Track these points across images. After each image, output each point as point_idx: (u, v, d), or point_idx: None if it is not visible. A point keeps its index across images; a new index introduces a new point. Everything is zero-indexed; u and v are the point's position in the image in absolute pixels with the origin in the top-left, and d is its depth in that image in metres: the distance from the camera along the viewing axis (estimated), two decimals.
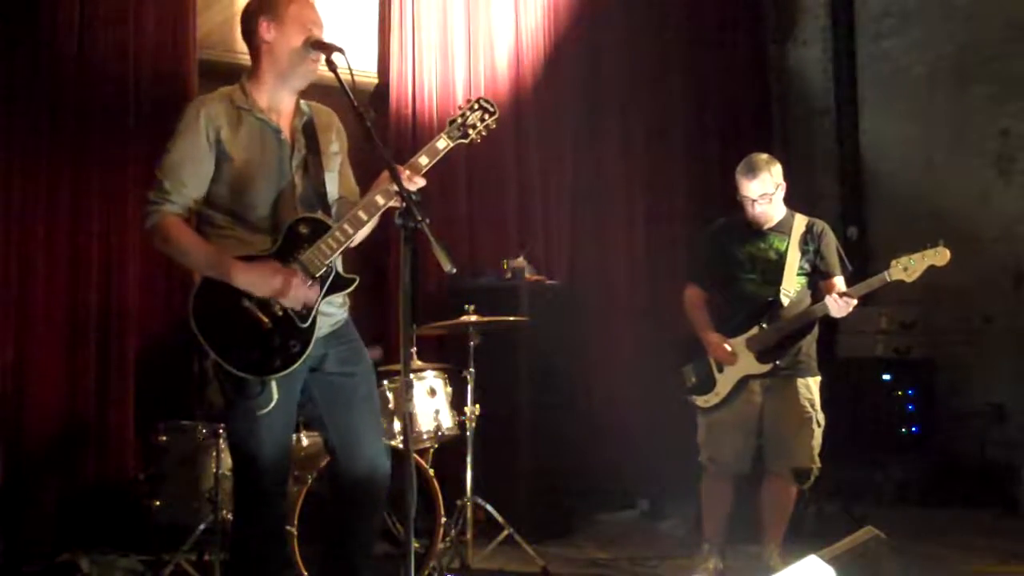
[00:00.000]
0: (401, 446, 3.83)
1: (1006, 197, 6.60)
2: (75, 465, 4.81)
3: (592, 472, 5.99)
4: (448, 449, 4.77)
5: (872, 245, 7.13)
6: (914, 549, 4.77)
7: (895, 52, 7.23)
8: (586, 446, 5.91)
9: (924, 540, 5.10)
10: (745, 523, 4.42)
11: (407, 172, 2.98)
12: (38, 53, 4.82)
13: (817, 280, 4.33)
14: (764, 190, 4.26)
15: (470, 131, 3.17)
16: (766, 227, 4.34)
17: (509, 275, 5.59)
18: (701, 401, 4.39)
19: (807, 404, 4.25)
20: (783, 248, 4.30)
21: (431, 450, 4.58)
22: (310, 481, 3.89)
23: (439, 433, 4.40)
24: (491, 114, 3.20)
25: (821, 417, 4.27)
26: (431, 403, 4.39)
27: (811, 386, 4.28)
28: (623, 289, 6.65)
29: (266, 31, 3.03)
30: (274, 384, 2.91)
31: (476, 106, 3.19)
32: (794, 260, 4.27)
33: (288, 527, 3.72)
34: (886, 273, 4.02)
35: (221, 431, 4.07)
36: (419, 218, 2.73)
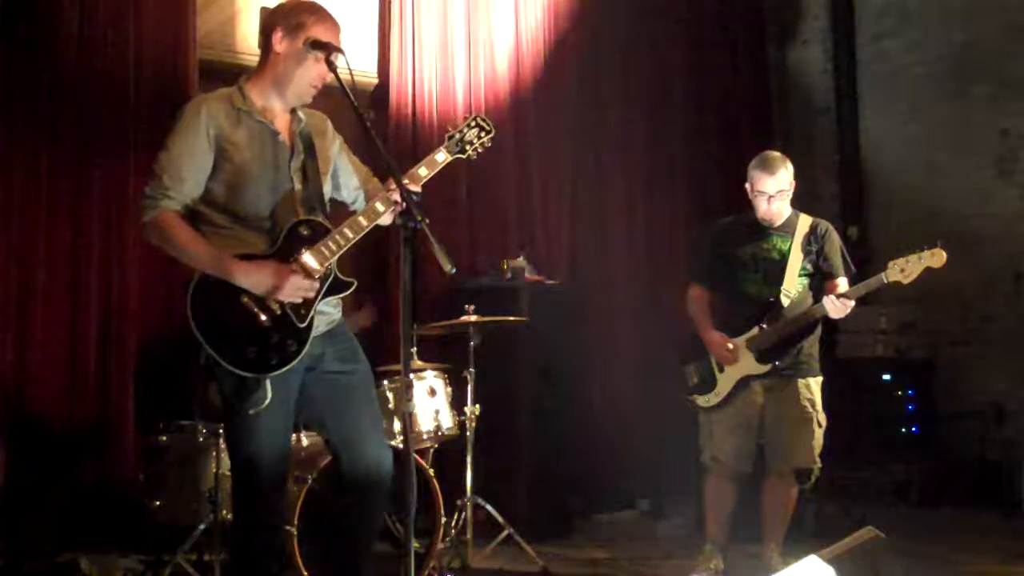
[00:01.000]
0: (401, 446, 3.82)
1: (1006, 197, 6.60)
2: (75, 465, 4.81)
3: (592, 472, 5.99)
4: (448, 449, 4.77)
5: (872, 245, 7.13)
6: (914, 549, 4.77)
7: (895, 52, 7.23)
8: (586, 446, 5.91)
9: (924, 540, 5.10)
10: (745, 523, 4.42)
11: (406, 180, 3.00)
12: (38, 53, 4.82)
13: (820, 281, 4.32)
14: (780, 186, 4.25)
15: (467, 147, 3.24)
16: (772, 226, 4.33)
17: (509, 275, 5.59)
18: (702, 401, 4.39)
19: (808, 404, 4.24)
20: (786, 248, 4.29)
21: (431, 450, 4.58)
22: (310, 481, 3.89)
23: (439, 433, 4.39)
24: (487, 132, 3.27)
25: (822, 417, 4.26)
26: (431, 403, 4.38)
27: (812, 386, 4.28)
28: (623, 289, 6.63)
29: (278, 42, 3.03)
30: (268, 383, 2.91)
31: (473, 123, 3.26)
32: (796, 261, 4.27)
33: (288, 527, 3.72)
34: (883, 275, 4.02)
35: (221, 431, 4.05)
36: (419, 218, 2.75)
